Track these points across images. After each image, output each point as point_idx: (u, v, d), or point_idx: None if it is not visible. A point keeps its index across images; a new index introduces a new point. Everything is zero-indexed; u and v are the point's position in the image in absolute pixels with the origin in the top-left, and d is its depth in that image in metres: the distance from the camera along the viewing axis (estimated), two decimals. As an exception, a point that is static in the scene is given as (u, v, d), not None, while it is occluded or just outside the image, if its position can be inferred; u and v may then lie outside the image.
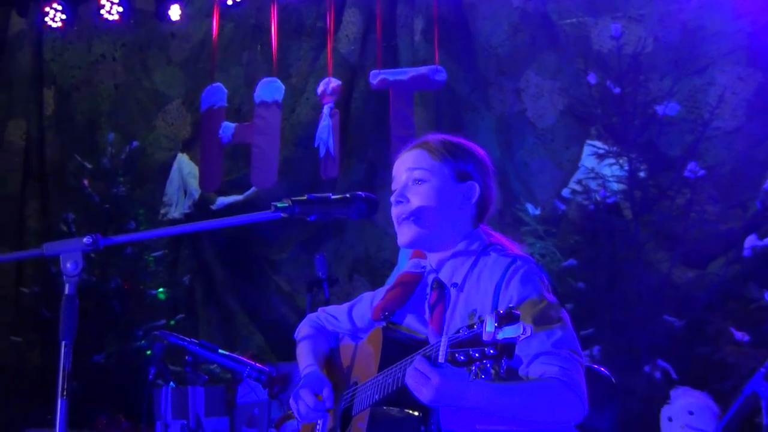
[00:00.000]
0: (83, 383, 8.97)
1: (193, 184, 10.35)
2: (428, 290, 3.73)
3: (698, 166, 8.05)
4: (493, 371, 2.95)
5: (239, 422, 8.49)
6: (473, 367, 2.96)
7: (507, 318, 2.89)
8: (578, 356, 3.38)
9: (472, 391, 3.18)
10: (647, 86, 8.38)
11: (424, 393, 3.16)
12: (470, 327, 2.97)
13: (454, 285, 3.59)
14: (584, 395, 3.33)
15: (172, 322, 9.61)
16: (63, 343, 3.01)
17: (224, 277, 10.36)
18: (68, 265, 3.07)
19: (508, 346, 2.91)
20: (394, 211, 3.68)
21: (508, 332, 2.88)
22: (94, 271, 9.97)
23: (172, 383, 5.54)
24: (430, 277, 3.75)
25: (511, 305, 2.97)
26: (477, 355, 2.94)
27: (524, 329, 2.88)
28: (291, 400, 3.87)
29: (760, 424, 5.38)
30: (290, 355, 4.23)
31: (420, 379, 3.17)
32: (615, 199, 8.21)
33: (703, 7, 8.47)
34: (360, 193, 3.40)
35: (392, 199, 3.67)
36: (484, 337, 2.90)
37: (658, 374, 7.58)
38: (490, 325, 2.89)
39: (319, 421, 3.90)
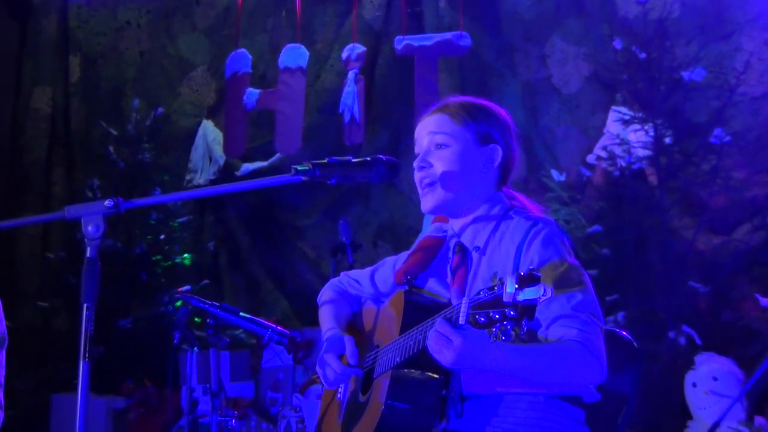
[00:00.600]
0: (109, 348, 9.03)
1: (218, 150, 10.36)
2: (450, 254, 3.74)
3: (724, 132, 8.00)
4: (513, 333, 2.97)
5: (264, 387, 8.55)
6: (494, 329, 2.98)
7: (528, 279, 2.90)
8: (598, 319, 3.39)
9: (493, 352, 3.21)
10: (673, 52, 8.33)
11: (445, 355, 3.19)
12: (491, 289, 2.99)
13: (476, 248, 3.61)
14: (603, 358, 3.36)
15: (198, 288, 9.63)
16: (84, 305, 3.04)
17: (249, 244, 10.38)
18: (89, 228, 3.10)
19: (529, 307, 2.92)
20: (417, 176, 3.69)
21: (528, 293, 2.90)
22: (120, 237, 10.01)
23: (196, 347, 5.56)
24: (452, 241, 3.76)
25: (532, 267, 2.97)
26: (497, 316, 2.96)
27: (545, 291, 2.90)
28: (317, 367, 3.90)
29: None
30: (315, 320, 4.25)
31: (441, 341, 3.19)
32: (640, 165, 8.18)
33: (729, -28, 8.41)
34: (381, 156, 3.42)
35: (415, 164, 3.68)
36: (505, 299, 2.92)
37: (682, 340, 7.57)
38: (510, 287, 2.90)
39: (341, 385, 3.92)
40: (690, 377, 7.14)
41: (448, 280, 3.68)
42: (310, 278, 9.84)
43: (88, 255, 3.08)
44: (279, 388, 8.37)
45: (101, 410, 8.79)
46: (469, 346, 3.17)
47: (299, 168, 3.29)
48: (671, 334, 7.59)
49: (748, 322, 7.60)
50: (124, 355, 9.29)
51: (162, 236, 10.14)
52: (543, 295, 2.89)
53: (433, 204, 3.66)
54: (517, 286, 2.88)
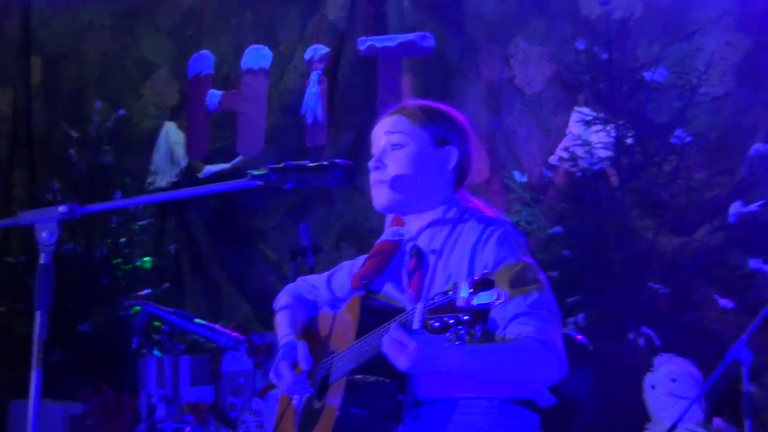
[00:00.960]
0: (68, 353, 8.99)
1: (180, 152, 10.34)
2: (406, 257, 3.74)
3: (685, 132, 8.04)
4: (468, 337, 2.97)
5: (224, 391, 8.52)
6: (448, 333, 2.98)
7: (481, 284, 2.91)
8: (555, 316, 3.41)
9: (449, 355, 3.22)
10: (635, 52, 8.36)
11: (401, 360, 3.19)
12: (445, 293, 3.00)
13: (433, 251, 3.61)
14: (562, 354, 3.38)
15: (159, 292, 9.60)
16: (38, 312, 3.02)
17: (211, 247, 10.35)
18: (44, 234, 3.07)
19: (483, 311, 2.93)
20: (372, 176, 3.69)
21: (482, 298, 2.90)
22: (80, 240, 9.97)
23: (156, 352, 5.55)
24: (409, 245, 3.75)
25: (486, 271, 2.99)
26: (451, 321, 2.97)
27: (499, 295, 2.90)
28: (271, 374, 3.89)
29: (741, 391, 5.42)
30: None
31: (397, 347, 3.20)
32: (602, 166, 8.21)
33: (692, -28, 8.44)
34: (338, 160, 3.41)
35: (370, 164, 3.68)
36: (459, 303, 2.93)
37: (642, 341, 7.60)
38: (464, 291, 2.91)
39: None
40: (649, 378, 7.17)
41: (405, 283, 3.69)
42: (271, 280, 9.82)
43: (41, 261, 3.07)
44: (239, 393, 8.34)
45: (59, 416, 8.75)
46: (424, 350, 3.17)
47: (255, 173, 3.29)
48: (631, 336, 7.62)
49: (708, 323, 7.64)
50: (83, 359, 9.25)
51: (122, 239, 10.11)
52: (497, 300, 2.89)
53: (384, 201, 3.67)
54: (471, 290, 2.89)
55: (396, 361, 3.21)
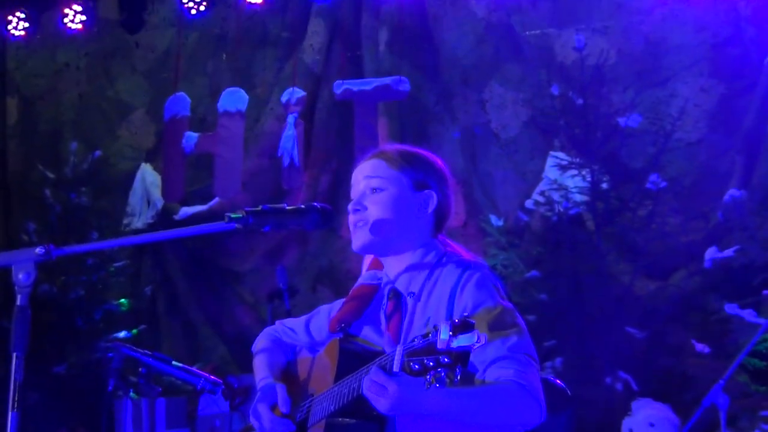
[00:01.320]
0: (43, 395, 8.91)
1: (156, 194, 10.31)
2: (384, 300, 3.73)
3: (660, 177, 8.08)
4: (447, 380, 2.96)
5: (200, 434, 8.46)
6: (428, 376, 2.97)
7: (461, 326, 2.91)
8: (534, 360, 3.41)
9: (429, 397, 3.21)
10: (610, 98, 8.41)
11: (381, 403, 3.19)
12: (425, 336, 3.00)
13: (411, 294, 3.61)
14: (541, 398, 3.37)
15: (135, 332, 9.55)
16: (14, 354, 3.00)
17: (187, 288, 10.30)
18: (20, 275, 3.05)
19: (463, 354, 2.92)
20: (351, 219, 3.69)
21: (462, 340, 2.90)
22: (56, 282, 9.91)
23: (132, 394, 5.50)
24: (387, 288, 3.75)
25: (465, 313, 2.99)
26: (431, 363, 2.96)
27: (479, 338, 2.90)
28: (251, 416, 3.87)
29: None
30: (252, 367, 4.21)
31: (377, 389, 3.19)
32: (578, 211, 8.23)
33: (665, 20, 8.48)
34: (315, 203, 3.41)
35: (349, 207, 3.69)
36: (439, 345, 2.93)
37: (619, 386, 7.60)
38: (444, 333, 2.91)
39: (276, 434, 3.88)
40: (627, 423, 7.16)
41: (383, 326, 3.68)
42: (248, 322, 9.78)
43: (18, 303, 3.04)
44: (215, 435, 8.29)
45: (36, 459, 8.69)
46: (405, 393, 3.16)
47: (233, 216, 3.28)
48: (608, 380, 7.62)
49: (684, 367, 7.64)
50: (58, 402, 9.17)
51: (98, 281, 10.06)
52: (477, 342, 2.89)
53: (362, 243, 3.67)
54: (451, 333, 2.89)
55: (376, 403, 3.20)
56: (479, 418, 3.37)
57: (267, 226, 3.33)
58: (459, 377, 2.97)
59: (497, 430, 3.47)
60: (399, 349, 3.09)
